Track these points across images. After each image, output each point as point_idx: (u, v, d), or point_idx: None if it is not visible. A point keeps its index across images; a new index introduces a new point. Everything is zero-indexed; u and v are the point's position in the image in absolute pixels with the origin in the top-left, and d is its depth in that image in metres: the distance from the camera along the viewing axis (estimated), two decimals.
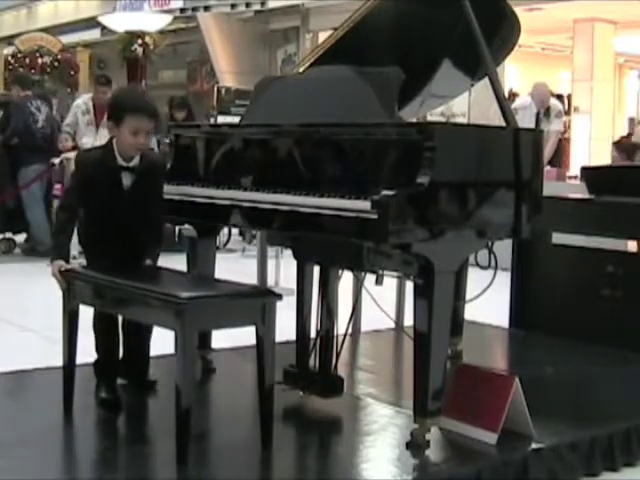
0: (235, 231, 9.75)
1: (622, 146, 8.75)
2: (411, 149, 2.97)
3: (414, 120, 4.05)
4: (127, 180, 3.51)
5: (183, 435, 2.89)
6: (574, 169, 10.82)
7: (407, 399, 3.30)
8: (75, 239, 3.59)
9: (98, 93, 9.08)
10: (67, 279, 3.36)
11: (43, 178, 8.78)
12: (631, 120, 15.80)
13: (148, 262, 3.54)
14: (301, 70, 3.92)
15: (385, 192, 2.84)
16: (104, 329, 3.51)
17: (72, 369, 3.41)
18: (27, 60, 13.31)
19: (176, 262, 3.82)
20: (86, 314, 3.44)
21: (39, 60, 13.30)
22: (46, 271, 3.43)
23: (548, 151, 8.76)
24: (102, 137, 8.92)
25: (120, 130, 3.46)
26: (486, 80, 3.50)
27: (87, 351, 3.49)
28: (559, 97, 12.27)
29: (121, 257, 3.47)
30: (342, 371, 3.71)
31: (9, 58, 13.48)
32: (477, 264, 4.09)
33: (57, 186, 9.42)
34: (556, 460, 3.13)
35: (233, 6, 14.56)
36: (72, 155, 8.52)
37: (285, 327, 3.38)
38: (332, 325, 3.67)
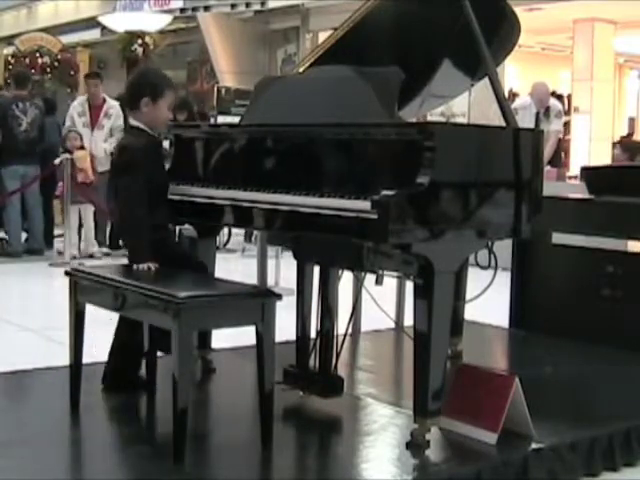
0: (235, 231, 9.73)
1: (626, 145, 8.76)
2: (411, 149, 2.97)
3: (414, 120, 4.05)
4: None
5: (180, 434, 2.89)
6: (574, 169, 10.82)
7: (407, 399, 3.31)
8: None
9: (90, 87, 9.08)
10: (73, 279, 3.37)
11: (35, 182, 8.73)
12: (631, 120, 15.80)
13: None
14: (301, 70, 3.92)
15: (385, 192, 2.84)
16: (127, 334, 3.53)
17: (79, 368, 3.42)
18: (27, 60, 13.29)
19: None
20: (90, 314, 3.44)
21: (39, 60, 13.29)
22: (46, 271, 3.42)
23: (548, 151, 8.75)
24: (98, 139, 8.94)
25: (159, 104, 3.54)
26: (486, 80, 3.50)
27: (89, 351, 3.49)
28: (559, 97, 12.27)
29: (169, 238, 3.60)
30: (342, 371, 3.71)
31: (9, 58, 13.47)
32: (477, 264, 4.09)
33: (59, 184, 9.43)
34: (556, 460, 3.13)
35: (233, 6, 14.55)
36: (82, 154, 8.58)
37: (285, 327, 3.38)
38: (332, 325, 3.67)
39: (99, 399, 3.63)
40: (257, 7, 14.41)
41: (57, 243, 9.01)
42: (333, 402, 3.54)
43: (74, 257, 8.51)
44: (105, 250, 8.92)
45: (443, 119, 10.70)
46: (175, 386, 2.87)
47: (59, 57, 13.44)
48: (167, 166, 3.83)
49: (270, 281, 6.16)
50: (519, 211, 3.23)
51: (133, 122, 3.59)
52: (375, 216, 2.81)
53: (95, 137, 8.94)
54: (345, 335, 3.74)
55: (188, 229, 3.97)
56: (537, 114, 8.96)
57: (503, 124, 3.32)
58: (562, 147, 10.51)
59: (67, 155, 8.67)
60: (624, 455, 3.32)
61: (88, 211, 8.74)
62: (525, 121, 8.51)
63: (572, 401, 3.81)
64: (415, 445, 3.06)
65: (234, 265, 8.47)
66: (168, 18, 15.06)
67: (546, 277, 5.18)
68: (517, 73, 14.45)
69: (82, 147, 8.68)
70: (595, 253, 4.94)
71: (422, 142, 2.94)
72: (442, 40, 3.73)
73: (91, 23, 16.76)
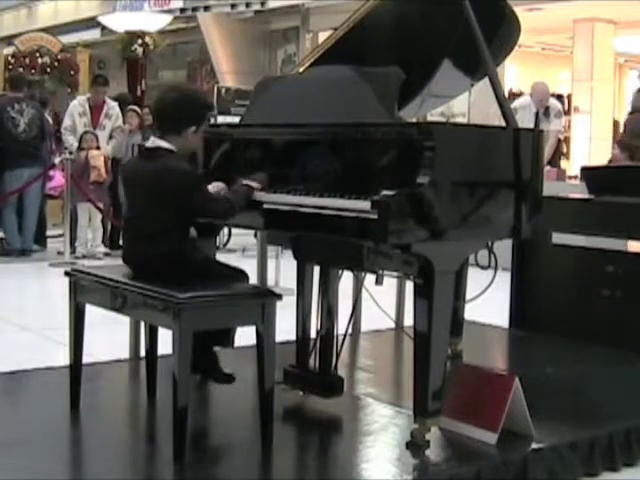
0: (236, 231, 9.73)
1: (624, 145, 8.74)
2: (411, 149, 2.97)
3: (414, 120, 4.05)
4: None
5: (180, 433, 2.89)
6: (574, 169, 10.82)
7: (407, 399, 3.30)
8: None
9: (99, 94, 9.07)
10: (73, 279, 3.36)
11: (35, 182, 8.71)
12: None
13: None
14: (301, 70, 3.92)
15: (385, 192, 2.84)
16: None
17: (79, 368, 3.41)
18: (27, 60, 13.28)
19: None
20: (89, 314, 3.44)
21: (39, 60, 13.28)
22: (46, 271, 3.42)
23: (547, 151, 8.75)
24: (101, 139, 8.94)
25: (199, 131, 3.36)
26: (486, 80, 3.50)
27: (89, 351, 3.49)
28: (559, 97, 12.27)
29: None
30: (342, 371, 3.71)
31: (9, 58, 13.45)
32: (477, 264, 4.09)
33: (50, 185, 9.43)
34: (556, 460, 3.13)
35: (233, 6, 14.57)
36: (97, 153, 8.59)
37: (285, 327, 3.38)
38: (332, 325, 3.67)
39: (99, 399, 3.64)
40: (257, 7, 14.43)
41: (57, 243, 9.02)
42: (333, 402, 3.54)
43: (83, 256, 8.55)
44: (105, 250, 8.93)
45: (443, 119, 10.69)
46: (175, 386, 2.87)
47: (59, 57, 13.43)
48: None
49: (270, 281, 6.16)
50: (519, 211, 3.22)
51: (166, 145, 3.25)
52: (375, 216, 2.81)
53: (99, 137, 8.95)
54: (345, 335, 3.73)
55: None
56: (537, 114, 8.97)
57: (503, 124, 3.32)
58: (561, 147, 10.51)
59: (67, 155, 8.69)
60: (624, 455, 3.32)
61: (96, 211, 8.75)
62: (525, 121, 8.50)
63: (572, 401, 3.81)
64: (415, 445, 3.06)
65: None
66: (168, 18, 15.06)
67: (546, 277, 5.17)
68: (517, 73, 14.45)
69: (98, 147, 8.73)
70: (595, 253, 4.94)
71: (422, 142, 2.94)
72: (442, 40, 3.72)
73: (91, 23, 16.78)
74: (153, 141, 3.31)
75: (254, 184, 3.32)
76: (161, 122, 3.35)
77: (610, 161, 9.23)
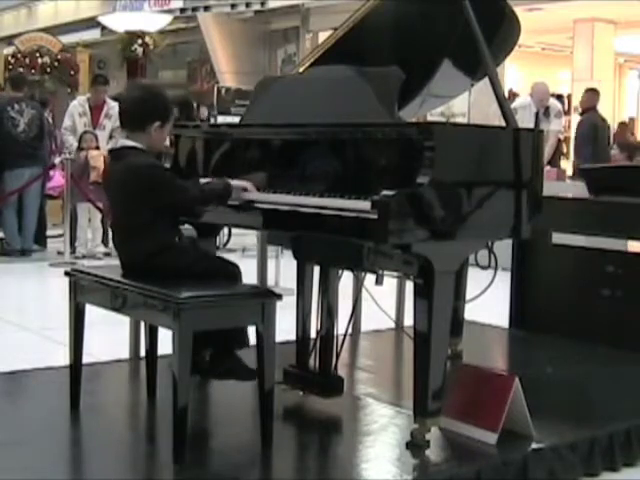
0: (235, 231, 9.73)
1: (624, 144, 8.75)
2: (411, 149, 2.97)
3: (414, 120, 4.05)
4: None
5: (180, 434, 2.89)
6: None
7: (407, 399, 3.30)
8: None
9: (99, 93, 9.06)
10: (73, 279, 3.36)
11: (34, 182, 8.70)
12: (631, 120, 15.81)
13: None
14: (301, 70, 3.92)
15: (385, 192, 2.83)
16: None
17: (79, 368, 3.41)
18: (27, 60, 13.30)
19: None
20: (89, 314, 3.44)
21: (39, 60, 13.29)
22: (46, 271, 3.42)
23: (547, 151, 8.76)
24: (100, 139, 8.96)
25: (165, 128, 3.32)
26: (486, 80, 3.50)
27: (89, 351, 3.49)
28: (559, 97, 12.28)
29: None
30: (342, 371, 3.71)
31: (9, 58, 13.47)
32: (477, 264, 4.09)
33: (50, 185, 9.43)
34: (556, 460, 3.13)
35: (233, 6, 14.59)
36: (96, 153, 8.60)
37: (285, 327, 3.38)
38: (332, 325, 3.67)
39: (99, 399, 3.64)
40: (257, 7, 14.45)
41: (57, 243, 9.02)
42: (333, 402, 3.54)
43: (83, 256, 8.56)
44: (105, 250, 8.94)
45: (443, 119, 10.70)
46: (175, 386, 2.87)
47: (59, 57, 13.44)
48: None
49: (270, 281, 6.16)
50: (519, 211, 3.22)
51: (132, 143, 3.23)
52: (375, 216, 2.81)
53: (99, 137, 8.96)
54: (345, 335, 3.73)
55: (188, 229, 3.97)
56: (537, 114, 8.96)
57: (503, 124, 3.32)
58: (561, 147, 10.51)
59: (67, 155, 8.70)
60: (624, 455, 3.32)
61: (96, 211, 8.76)
62: (525, 121, 8.50)
63: (572, 401, 3.81)
64: (415, 445, 3.06)
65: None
66: (168, 18, 15.08)
67: (546, 277, 5.17)
68: (517, 73, 14.46)
69: (97, 147, 8.74)
70: (595, 253, 4.94)
71: (422, 142, 2.94)
72: (442, 40, 3.73)
73: (91, 23, 16.81)
74: (120, 142, 3.33)
75: (247, 184, 3.32)
76: (126, 120, 3.35)
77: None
